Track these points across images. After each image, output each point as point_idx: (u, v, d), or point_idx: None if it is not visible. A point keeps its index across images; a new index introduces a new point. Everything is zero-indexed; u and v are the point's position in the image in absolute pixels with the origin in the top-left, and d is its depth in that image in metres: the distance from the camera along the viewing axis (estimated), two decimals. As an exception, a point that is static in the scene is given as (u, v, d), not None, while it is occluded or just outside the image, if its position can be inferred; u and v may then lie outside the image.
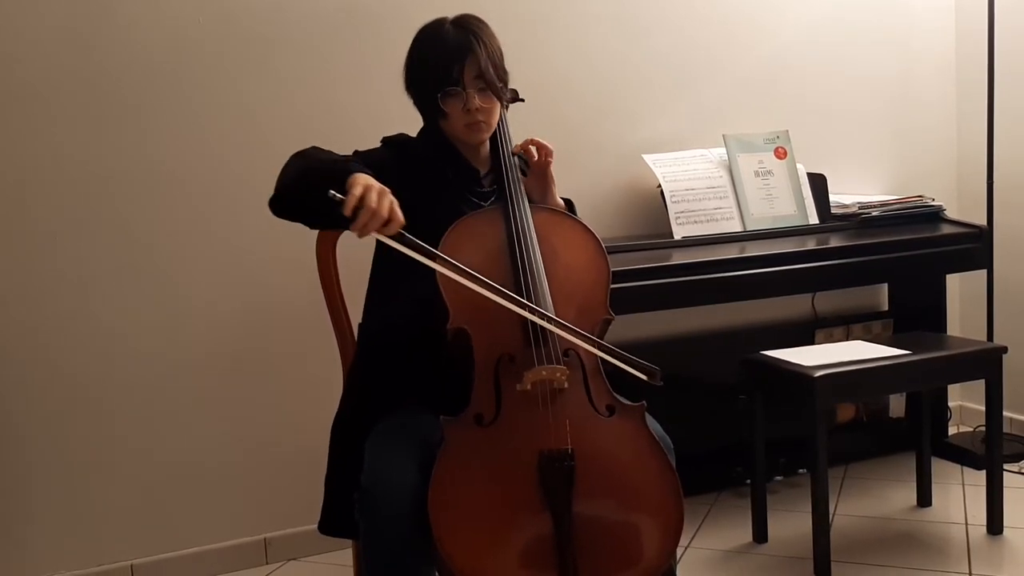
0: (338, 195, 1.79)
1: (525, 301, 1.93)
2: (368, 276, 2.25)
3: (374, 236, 1.83)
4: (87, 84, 2.78)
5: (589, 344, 1.94)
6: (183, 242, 2.90)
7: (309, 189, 1.89)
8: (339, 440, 2.16)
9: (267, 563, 3.03)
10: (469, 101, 2.09)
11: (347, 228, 1.81)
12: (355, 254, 2.40)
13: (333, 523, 2.14)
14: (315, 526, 2.18)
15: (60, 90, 2.76)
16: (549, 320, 1.94)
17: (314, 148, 2.04)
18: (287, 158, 1.97)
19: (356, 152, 2.12)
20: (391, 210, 1.81)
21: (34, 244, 2.77)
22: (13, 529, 2.81)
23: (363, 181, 1.81)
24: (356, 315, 2.39)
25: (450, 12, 2.20)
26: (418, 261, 1.87)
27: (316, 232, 2.43)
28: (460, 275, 1.89)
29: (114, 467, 2.88)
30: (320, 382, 2.64)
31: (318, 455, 2.19)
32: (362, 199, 1.78)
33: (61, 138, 2.77)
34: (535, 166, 2.19)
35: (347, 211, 1.78)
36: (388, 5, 3.03)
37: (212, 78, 2.90)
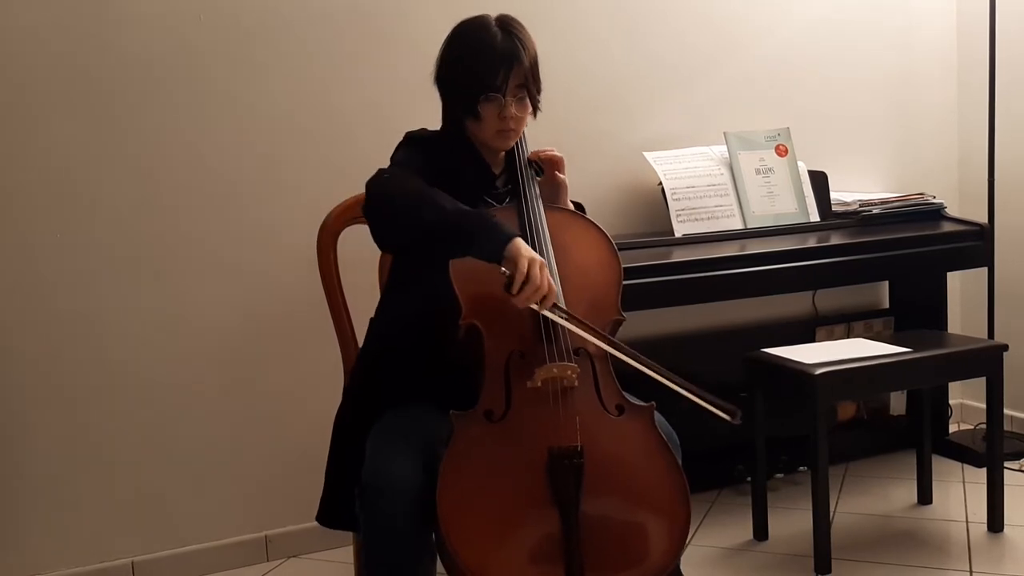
0: (507, 272, 1.84)
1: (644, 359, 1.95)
2: (375, 272, 2.25)
3: (534, 308, 1.88)
4: (84, 84, 2.77)
5: (669, 380, 1.95)
6: (183, 239, 2.89)
7: (454, 245, 1.92)
8: (341, 433, 2.17)
9: (268, 560, 3.03)
10: (506, 108, 2.09)
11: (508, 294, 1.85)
12: (355, 252, 2.41)
13: (331, 515, 2.15)
14: (316, 524, 2.18)
15: (57, 89, 2.75)
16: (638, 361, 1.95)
17: (421, 186, 1.98)
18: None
19: (394, 162, 2.11)
20: (550, 285, 1.86)
21: (32, 243, 2.76)
22: (14, 526, 2.80)
23: (526, 253, 1.85)
24: (356, 312, 2.40)
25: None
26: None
27: (316, 230, 2.44)
28: (618, 351, 1.94)
29: (115, 464, 2.87)
30: (321, 379, 2.64)
31: (319, 452, 2.19)
32: (527, 277, 1.83)
33: (58, 138, 2.76)
34: (548, 177, 2.20)
35: (514, 290, 1.83)
36: (387, 5, 3.02)
37: (211, 78, 2.88)
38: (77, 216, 2.80)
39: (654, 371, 1.95)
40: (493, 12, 2.19)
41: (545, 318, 1.95)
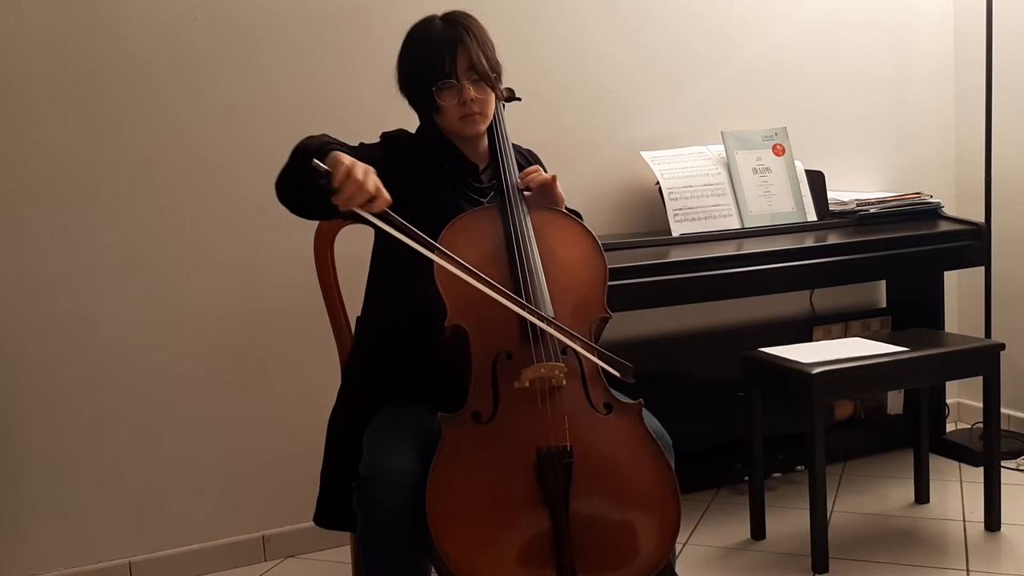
0: (322, 165, 1.83)
1: (517, 297, 1.93)
2: (367, 272, 2.25)
3: (360, 213, 1.85)
4: (82, 83, 2.78)
5: (569, 338, 1.94)
6: (179, 240, 2.90)
7: (298, 170, 1.92)
8: (336, 433, 2.17)
9: (265, 560, 3.03)
10: (464, 92, 2.10)
11: (336, 209, 1.84)
12: (353, 251, 2.41)
13: (329, 515, 2.15)
14: (313, 523, 2.18)
15: (55, 89, 2.76)
16: (534, 314, 1.93)
17: (322, 135, 2.03)
18: (282, 156, 1.96)
19: (362, 144, 2.13)
20: (376, 187, 1.85)
21: (31, 242, 2.77)
22: (11, 526, 2.81)
23: (348, 159, 1.85)
24: (354, 312, 2.40)
25: (440, 11, 2.20)
26: (417, 252, 1.88)
27: (314, 230, 2.43)
28: (453, 264, 1.90)
29: (112, 464, 2.88)
30: (318, 380, 2.65)
31: (316, 452, 2.20)
32: (348, 172, 1.82)
33: (56, 137, 2.77)
34: (539, 197, 2.17)
35: (335, 183, 1.81)
36: (380, 4, 3.03)
37: (209, 77, 2.89)
38: (75, 216, 2.80)
39: (553, 327, 1.94)
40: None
41: (531, 323, 1.94)
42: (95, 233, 2.82)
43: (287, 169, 1.98)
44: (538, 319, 1.94)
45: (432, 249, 1.90)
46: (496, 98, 2.18)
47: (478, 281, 1.91)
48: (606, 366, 1.94)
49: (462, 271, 1.90)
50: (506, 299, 1.92)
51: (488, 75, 2.12)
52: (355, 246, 2.47)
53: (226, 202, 2.93)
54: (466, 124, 2.14)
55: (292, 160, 1.96)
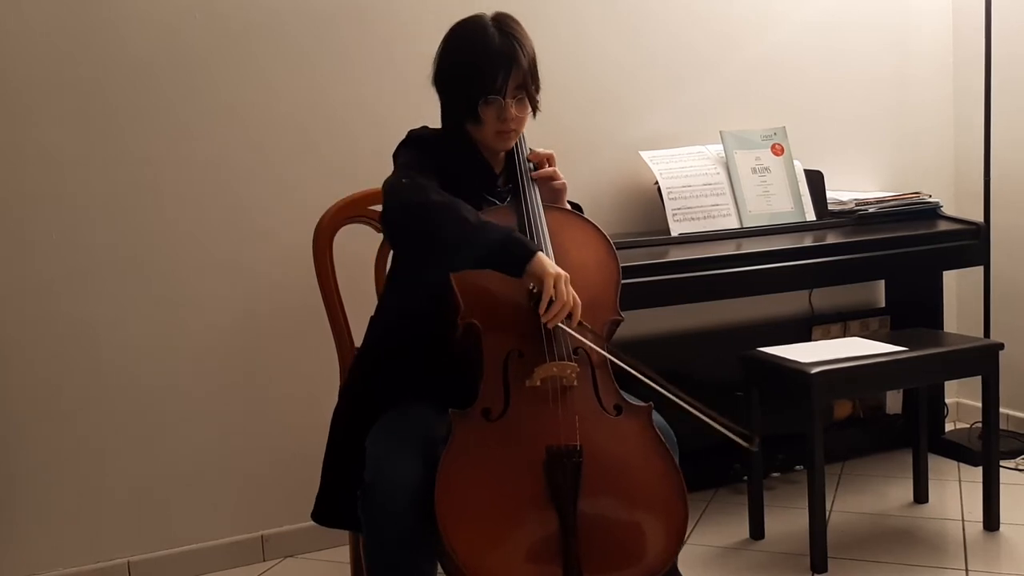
0: (535, 289, 1.88)
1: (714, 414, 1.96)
2: (371, 271, 2.25)
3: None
4: (81, 83, 2.77)
5: (696, 409, 1.96)
6: (179, 238, 2.89)
7: (475, 262, 1.92)
8: (339, 432, 2.17)
9: (264, 560, 3.03)
10: (506, 111, 2.08)
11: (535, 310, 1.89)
12: (352, 251, 2.41)
13: (327, 513, 2.15)
14: (312, 524, 2.18)
15: (53, 89, 2.75)
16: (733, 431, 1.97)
17: (440, 197, 1.96)
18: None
19: (399, 154, 2.12)
20: (575, 300, 1.90)
21: (29, 243, 2.76)
22: (10, 526, 2.80)
23: (551, 270, 1.88)
24: (352, 311, 2.40)
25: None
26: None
27: (312, 231, 2.44)
28: (635, 369, 1.95)
29: (111, 464, 2.87)
30: (317, 380, 2.65)
31: (315, 452, 2.20)
32: (556, 292, 1.86)
33: (52, 138, 2.76)
34: (542, 180, 2.18)
35: (542, 308, 1.86)
36: (380, 4, 3.02)
37: (207, 76, 2.88)
38: (75, 216, 2.79)
39: (671, 393, 1.95)
40: (489, 10, 2.19)
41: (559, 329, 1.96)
42: (95, 233, 2.81)
43: (460, 258, 1.93)
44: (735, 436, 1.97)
45: (620, 359, 1.96)
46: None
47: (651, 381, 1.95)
48: (732, 436, 1.96)
49: (640, 374, 1.96)
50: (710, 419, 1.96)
51: (534, 98, 2.12)
52: (354, 246, 2.48)
53: (226, 202, 2.93)
54: (499, 139, 2.12)
55: (466, 250, 1.91)
